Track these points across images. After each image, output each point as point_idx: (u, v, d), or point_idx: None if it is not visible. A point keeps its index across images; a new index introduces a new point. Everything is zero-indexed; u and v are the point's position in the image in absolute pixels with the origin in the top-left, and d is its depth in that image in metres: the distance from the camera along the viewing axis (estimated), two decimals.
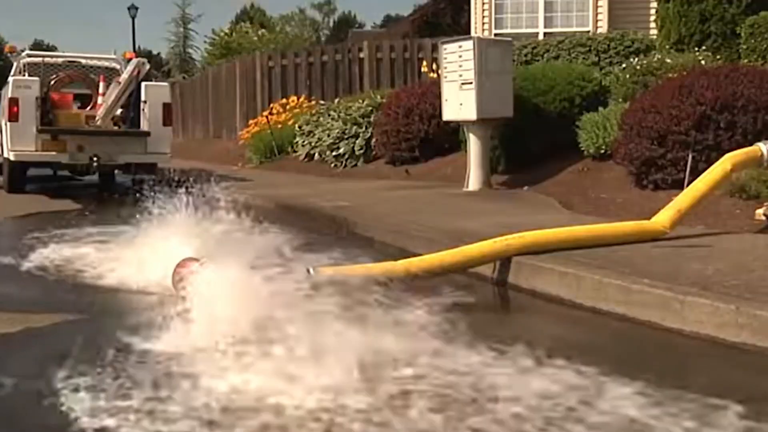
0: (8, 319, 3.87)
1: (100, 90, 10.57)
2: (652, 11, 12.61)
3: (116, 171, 11.29)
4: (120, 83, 10.12)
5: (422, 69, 14.43)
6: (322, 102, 14.95)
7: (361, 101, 12.60)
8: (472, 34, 13.54)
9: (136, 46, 36.72)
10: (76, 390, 2.76)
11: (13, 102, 9.97)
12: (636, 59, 9.62)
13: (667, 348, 3.46)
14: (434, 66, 12.18)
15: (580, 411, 2.56)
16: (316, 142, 12.92)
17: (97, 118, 10.20)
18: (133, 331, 3.37)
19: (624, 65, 9.62)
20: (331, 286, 3.32)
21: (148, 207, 4.81)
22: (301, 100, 16.08)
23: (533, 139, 8.84)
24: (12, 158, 10.08)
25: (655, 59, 9.26)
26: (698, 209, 5.46)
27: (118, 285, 4.52)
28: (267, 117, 15.25)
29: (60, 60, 11.88)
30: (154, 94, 10.53)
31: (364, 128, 12.03)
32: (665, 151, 6.82)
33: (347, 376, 2.77)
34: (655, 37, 11.79)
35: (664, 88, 7.28)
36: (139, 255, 4.69)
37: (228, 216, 4.50)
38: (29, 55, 11.92)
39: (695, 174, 5.93)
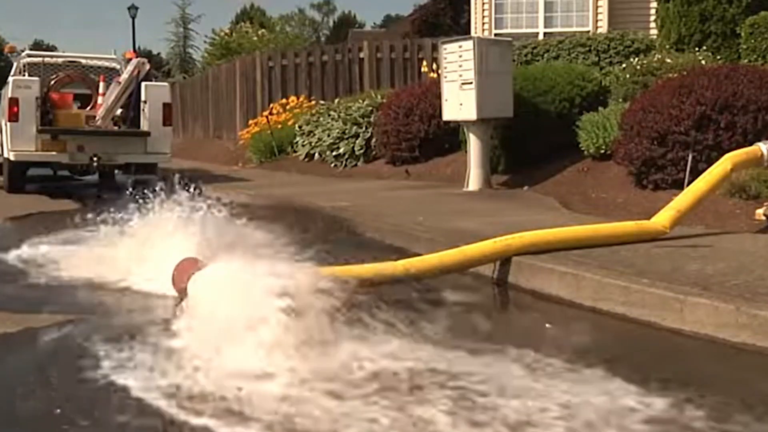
0: (8, 318, 3.87)
1: (100, 90, 10.57)
2: (652, 11, 12.61)
3: (116, 171, 11.29)
4: (120, 83, 10.13)
5: (422, 69, 14.42)
6: (322, 102, 14.95)
7: (361, 101, 12.59)
8: (472, 34, 13.55)
9: (136, 46, 36.73)
10: None
11: (13, 102, 9.97)
12: (636, 59, 9.62)
13: (666, 348, 3.46)
14: (434, 66, 12.18)
15: (577, 409, 2.57)
16: (316, 142, 12.92)
17: (97, 118, 10.20)
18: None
19: (624, 65, 9.62)
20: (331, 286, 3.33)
21: (149, 207, 4.81)
22: (301, 100, 16.08)
23: (533, 139, 8.84)
24: (12, 158, 10.08)
25: (655, 59, 9.27)
26: (698, 209, 5.47)
27: (117, 285, 4.51)
28: (267, 117, 15.24)
29: (60, 60, 11.88)
30: (154, 94, 10.53)
31: (364, 128, 12.03)
32: (665, 151, 6.82)
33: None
34: (655, 37, 11.79)
35: (664, 88, 7.27)
36: (140, 255, 4.68)
37: (229, 216, 4.51)
38: (29, 55, 11.92)
39: (695, 174, 5.93)
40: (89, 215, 5.29)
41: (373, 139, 11.76)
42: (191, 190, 4.70)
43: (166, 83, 12.75)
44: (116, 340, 3.28)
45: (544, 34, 13.64)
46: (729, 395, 2.67)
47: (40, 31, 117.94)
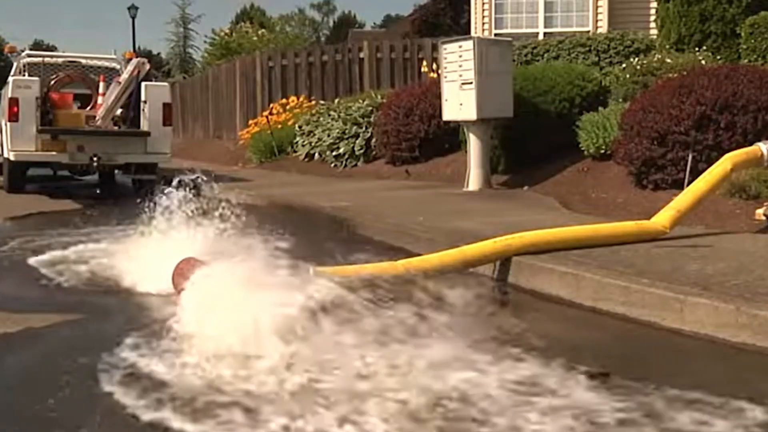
0: (8, 318, 3.87)
1: (100, 90, 10.57)
2: (652, 11, 12.62)
3: (116, 171, 11.29)
4: (120, 83, 10.13)
5: (422, 69, 14.42)
6: (322, 102, 14.95)
7: (361, 101, 12.59)
8: (472, 34, 13.55)
9: (136, 46, 36.77)
10: None
11: (13, 102, 9.97)
12: (636, 59, 9.62)
13: (666, 348, 3.46)
14: (434, 66, 12.18)
15: (576, 409, 2.57)
16: (316, 142, 12.92)
17: (97, 118, 10.20)
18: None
19: (624, 65, 9.62)
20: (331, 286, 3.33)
21: (150, 206, 4.82)
22: (301, 100, 16.08)
23: (533, 139, 8.83)
24: (12, 158, 10.08)
25: (655, 59, 9.27)
26: (698, 209, 5.47)
27: (118, 284, 4.51)
28: (267, 117, 15.24)
29: (60, 60, 11.88)
30: (154, 94, 10.53)
31: (364, 128, 12.02)
32: (665, 151, 6.82)
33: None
34: (655, 37, 11.80)
35: (664, 88, 7.27)
36: (140, 255, 4.69)
37: (229, 215, 4.51)
38: (29, 55, 11.92)
39: (695, 174, 5.93)
40: None
41: (373, 139, 11.76)
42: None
43: (166, 83, 12.75)
44: None
45: (544, 34, 13.65)
46: (729, 395, 2.67)
47: (40, 31, 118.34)
